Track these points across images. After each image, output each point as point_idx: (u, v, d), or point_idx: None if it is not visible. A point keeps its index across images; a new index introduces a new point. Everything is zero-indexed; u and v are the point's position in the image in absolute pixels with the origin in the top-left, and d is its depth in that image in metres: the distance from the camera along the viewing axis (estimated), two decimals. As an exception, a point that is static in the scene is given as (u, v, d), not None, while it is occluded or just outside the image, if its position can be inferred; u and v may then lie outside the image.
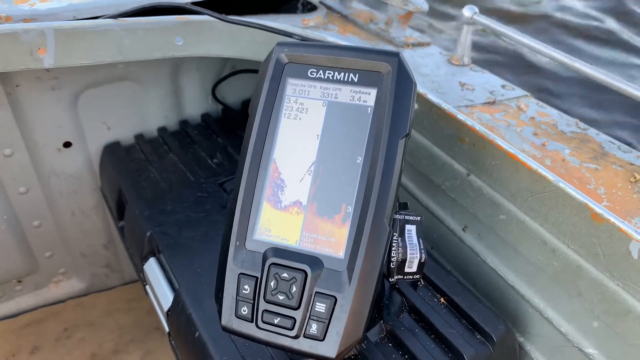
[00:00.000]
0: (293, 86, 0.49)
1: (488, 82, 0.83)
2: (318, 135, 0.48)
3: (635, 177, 0.62)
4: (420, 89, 0.75)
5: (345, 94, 0.48)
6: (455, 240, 0.76)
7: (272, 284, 0.46)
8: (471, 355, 0.55)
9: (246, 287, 0.47)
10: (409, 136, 0.46)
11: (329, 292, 0.45)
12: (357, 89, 0.47)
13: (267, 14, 0.94)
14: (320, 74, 0.48)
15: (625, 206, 0.57)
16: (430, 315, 0.59)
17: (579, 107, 2.34)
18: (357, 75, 0.47)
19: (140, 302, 1.21)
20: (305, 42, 0.56)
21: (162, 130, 1.06)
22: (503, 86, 0.82)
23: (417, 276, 0.58)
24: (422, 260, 0.57)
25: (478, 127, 0.67)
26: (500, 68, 2.48)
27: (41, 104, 0.94)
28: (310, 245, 0.46)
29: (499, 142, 0.64)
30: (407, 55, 0.90)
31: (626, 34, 3.03)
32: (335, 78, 0.48)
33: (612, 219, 0.53)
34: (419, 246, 0.57)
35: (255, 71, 1.00)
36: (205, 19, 0.81)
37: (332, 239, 0.46)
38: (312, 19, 0.95)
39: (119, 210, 0.94)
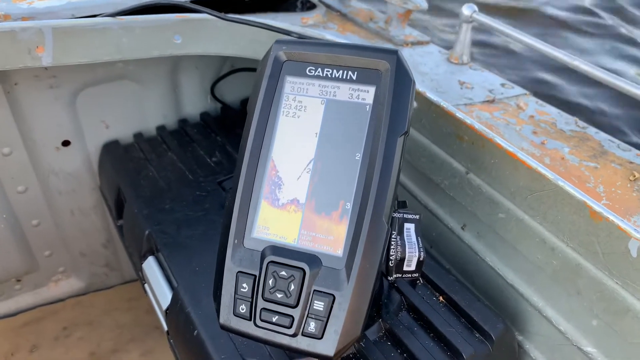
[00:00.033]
0: (291, 84, 0.49)
1: (487, 80, 0.83)
2: (316, 133, 0.48)
3: (635, 176, 0.62)
4: (419, 87, 0.75)
5: (344, 91, 0.47)
6: (454, 239, 0.76)
7: (270, 282, 0.46)
8: (470, 353, 0.55)
9: (244, 285, 0.47)
10: (408, 134, 0.46)
11: (327, 290, 0.45)
12: (355, 86, 0.47)
13: (266, 12, 0.94)
14: (318, 72, 0.48)
15: (625, 204, 0.57)
16: (429, 314, 0.59)
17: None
18: (355, 73, 0.47)
19: (140, 301, 1.21)
20: (304, 40, 0.56)
21: (161, 129, 1.06)
22: (502, 85, 0.82)
23: (416, 275, 0.58)
24: (421, 259, 0.57)
25: (477, 125, 0.66)
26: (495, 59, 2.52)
27: (40, 103, 0.93)
28: (308, 243, 0.46)
29: (498, 140, 0.64)
30: (407, 53, 0.90)
31: (614, 20, 3.07)
32: (333, 76, 0.48)
33: (611, 217, 0.53)
34: (418, 245, 0.57)
35: (254, 70, 1.00)
36: (204, 17, 0.81)
37: (330, 237, 0.46)
38: (311, 17, 0.95)
39: (118, 209, 0.94)
